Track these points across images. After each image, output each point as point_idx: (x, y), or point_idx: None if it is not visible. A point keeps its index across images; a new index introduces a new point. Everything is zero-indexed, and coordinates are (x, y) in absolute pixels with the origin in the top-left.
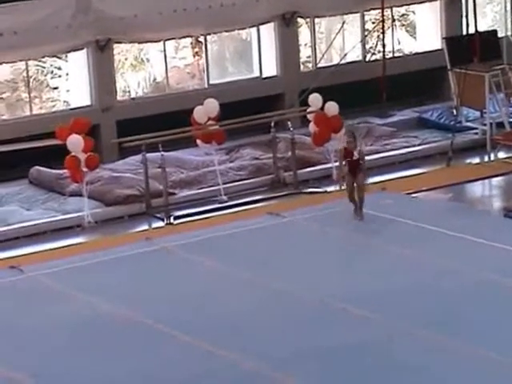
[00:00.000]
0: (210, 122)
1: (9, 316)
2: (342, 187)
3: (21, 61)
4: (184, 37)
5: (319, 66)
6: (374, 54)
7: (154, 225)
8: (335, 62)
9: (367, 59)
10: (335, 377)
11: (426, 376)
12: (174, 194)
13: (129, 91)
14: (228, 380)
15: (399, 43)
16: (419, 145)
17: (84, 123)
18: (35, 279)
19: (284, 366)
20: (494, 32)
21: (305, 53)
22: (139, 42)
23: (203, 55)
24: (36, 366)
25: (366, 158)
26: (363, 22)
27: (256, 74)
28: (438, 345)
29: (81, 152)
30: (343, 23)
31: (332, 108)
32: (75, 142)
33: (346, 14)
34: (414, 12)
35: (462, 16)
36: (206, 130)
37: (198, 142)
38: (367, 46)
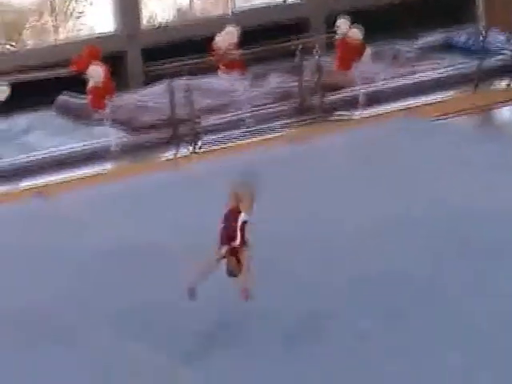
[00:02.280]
0: (231, 49)
1: (34, 244)
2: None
3: None
4: None
5: None
6: None
7: (181, 152)
8: None
9: None
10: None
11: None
12: (200, 120)
13: (154, 19)
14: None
15: None
16: (445, 69)
17: (96, 51)
18: (61, 207)
19: (338, 296)
20: None
21: None
22: None
23: None
24: (63, 292)
25: (391, 83)
26: None
27: None
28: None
29: (101, 80)
30: None
31: (356, 32)
32: (95, 71)
33: None
34: None
35: None
36: (227, 58)
37: (222, 69)
38: None
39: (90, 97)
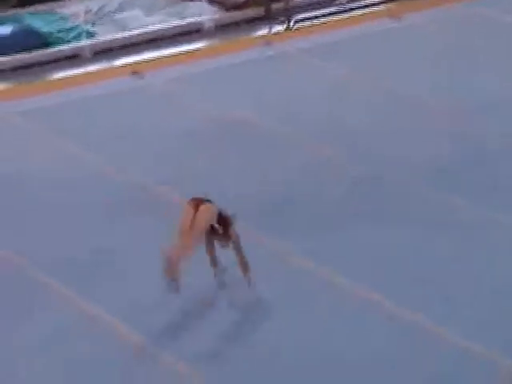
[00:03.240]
0: None
1: (129, 121)
2: None
3: None
4: None
5: None
6: None
7: (274, 29)
8: None
9: None
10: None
11: None
12: None
13: None
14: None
15: None
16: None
17: None
18: (155, 85)
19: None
20: None
21: None
22: None
23: None
24: (162, 169)
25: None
26: None
27: None
28: None
29: None
30: None
31: None
32: None
33: None
34: None
35: None
36: None
37: None
38: None
39: None
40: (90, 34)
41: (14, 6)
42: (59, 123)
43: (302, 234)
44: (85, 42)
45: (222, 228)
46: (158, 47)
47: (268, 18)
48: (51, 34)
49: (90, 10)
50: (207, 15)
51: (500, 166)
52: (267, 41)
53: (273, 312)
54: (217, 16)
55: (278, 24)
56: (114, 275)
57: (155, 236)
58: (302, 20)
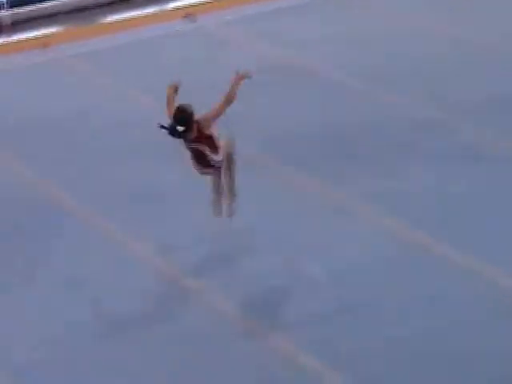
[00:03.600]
0: None
1: (182, 63)
2: None
3: None
4: None
5: None
6: None
7: None
8: None
9: None
10: None
11: None
12: None
13: None
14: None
15: None
16: None
17: None
18: (208, 28)
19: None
20: None
21: None
22: None
23: None
24: None
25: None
26: None
27: None
28: None
29: None
30: None
31: None
32: None
33: None
34: None
35: None
36: None
37: None
38: None
39: None
40: None
41: None
42: (113, 65)
43: (363, 178)
44: None
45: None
46: None
47: None
48: None
49: None
50: None
51: None
52: None
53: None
54: None
55: None
56: (164, 215)
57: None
58: None
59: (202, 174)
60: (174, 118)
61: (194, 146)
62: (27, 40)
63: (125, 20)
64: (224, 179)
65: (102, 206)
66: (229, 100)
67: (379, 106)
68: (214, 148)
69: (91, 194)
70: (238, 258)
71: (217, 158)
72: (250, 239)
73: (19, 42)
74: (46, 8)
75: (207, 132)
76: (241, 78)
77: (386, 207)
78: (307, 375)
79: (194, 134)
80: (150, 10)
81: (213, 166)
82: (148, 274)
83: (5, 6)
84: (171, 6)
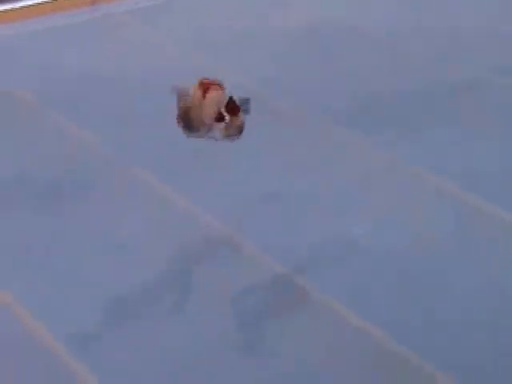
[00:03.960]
0: None
1: (225, 23)
2: None
3: None
4: None
5: None
6: None
7: None
8: None
9: None
10: None
11: None
12: None
13: None
14: None
15: None
16: None
17: None
18: None
19: None
20: None
21: None
22: None
23: None
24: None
25: None
26: None
27: None
28: None
29: None
30: None
31: None
32: None
33: None
34: None
35: None
36: None
37: None
38: None
39: None
40: None
41: None
42: (166, 23)
43: (387, 138)
44: None
45: (229, 117)
46: None
47: None
48: None
49: None
50: None
51: None
52: None
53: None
54: None
55: None
56: (217, 174)
57: (260, 134)
58: None
59: None
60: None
61: None
62: None
63: None
64: None
65: (157, 167)
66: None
67: (411, 65)
68: None
69: (146, 155)
70: (289, 223)
71: None
72: (302, 202)
73: None
74: None
75: None
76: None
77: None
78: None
79: None
80: None
81: None
82: (197, 235)
83: None
84: None
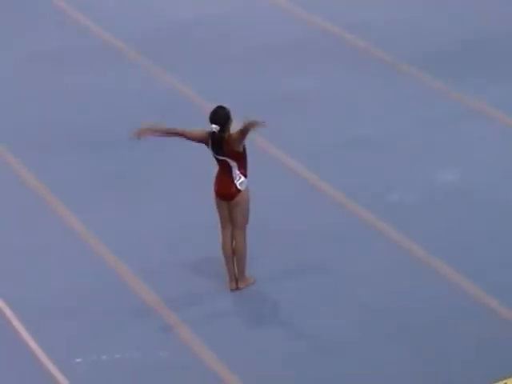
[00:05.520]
0: None
1: None
2: None
3: None
4: None
5: None
6: None
7: None
8: None
9: None
10: None
11: None
12: None
13: None
14: None
15: None
16: None
17: None
18: None
19: None
20: None
21: None
22: None
23: None
24: None
25: None
26: None
27: None
28: None
29: None
30: None
31: None
32: None
33: None
34: None
35: None
36: None
37: None
38: None
39: None
40: None
41: None
42: None
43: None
44: None
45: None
46: None
47: None
48: None
49: None
50: None
51: None
52: None
53: None
54: None
55: None
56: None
57: (342, 81)
58: None
59: (218, 201)
60: (210, 116)
61: (223, 158)
62: None
63: None
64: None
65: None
66: (244, 133)
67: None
68: (242, 168)
69: (231, 102)
70: (368, 170)
71: (239, 181)
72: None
73: None
74: None
75: (237, 149)
76: (252, 125)
77: None
78: None
79: (225, 145)
80: None
81: (231, 191)
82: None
83: None
84: None
